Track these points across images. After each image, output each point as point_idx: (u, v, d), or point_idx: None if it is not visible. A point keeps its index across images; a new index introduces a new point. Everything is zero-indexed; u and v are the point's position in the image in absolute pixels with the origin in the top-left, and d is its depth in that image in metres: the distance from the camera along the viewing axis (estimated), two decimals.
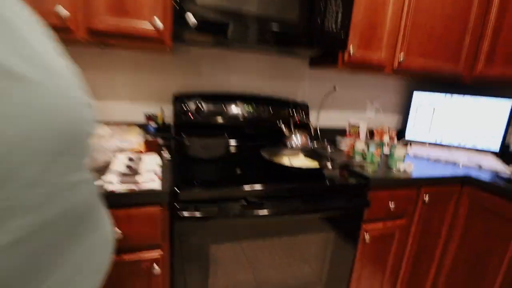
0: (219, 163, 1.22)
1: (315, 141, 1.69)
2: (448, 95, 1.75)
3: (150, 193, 0.88)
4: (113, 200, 0.85)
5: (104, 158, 0.97)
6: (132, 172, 0.98)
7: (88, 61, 1.31)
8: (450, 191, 1.36)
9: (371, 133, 1.77)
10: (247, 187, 0.97)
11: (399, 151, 1.28)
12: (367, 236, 1.21)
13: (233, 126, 1.50)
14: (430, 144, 1.77)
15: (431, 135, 1.81)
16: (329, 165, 1.16)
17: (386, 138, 1.74)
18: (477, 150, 1.71)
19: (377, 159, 1.26)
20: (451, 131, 1.76)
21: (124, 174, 0.95)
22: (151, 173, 0.97)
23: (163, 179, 0.97)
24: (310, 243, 1.12)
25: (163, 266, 0.97)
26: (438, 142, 1.79)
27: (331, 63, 1.42)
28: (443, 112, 1.77)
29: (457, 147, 1.75)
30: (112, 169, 0.96)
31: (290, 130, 1.48)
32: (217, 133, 1.34)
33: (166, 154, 1.23)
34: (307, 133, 1.50)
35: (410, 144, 1.78)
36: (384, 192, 1.21)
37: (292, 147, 1.40)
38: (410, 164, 1.28)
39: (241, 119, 1.49)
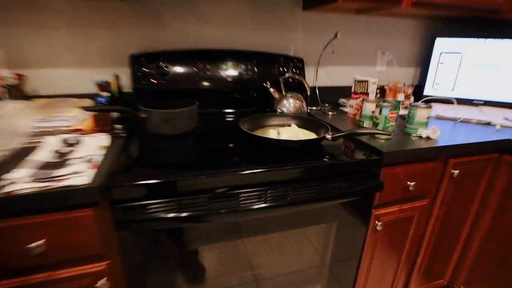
0: (186, 140, 0.94)
1: (312, 106, 1.39)
2: (481, 40, 1.39)
3: (69, 191, 0.62)
4: (21, 204, 0.60)
5: (12, 145, 0.71)
6: (58, 162, 0.71)
7: (14, 16, 1.00)
8: (485, 161, 1.07)
9: (382, 92, 1.45)
10: (210, 177, 0.70)
11: (420, 112, 0.98)
12: (378, 224, 0.96)
13: (208, 92, 1.20)
14: (455, 101, 1.45)
15: (456, 91, 1.48)
16: (328, 135, 0.88)
17: (400, 97, 1.42)
18: None
19: (392, 124, 0.97)
20: (482, 85, 1.42)
21: (44, 167, 0.69)
22: (82, 163, 0.71)
23: (99, 169, 0.70)
24: (304, 238, 0.88)
25: (113, 279, 0.75)
26: (465, 98, 1.46)
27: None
28: (472, 62, 1.42)
29: (491, 105, 1.43)
30: (29, 160, 0.70)
31: (280, 93, 1.17)
32: (187, 102, 1.05)
33: (120, 132, 0.96)
34: (302, 96, 1.20)
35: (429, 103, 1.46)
36: (401, 168, 0.93)
37: (282, 114, 1.10)
38: (436, 129, 0.99)
39: (218, 82, 1.19)
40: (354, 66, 1.52)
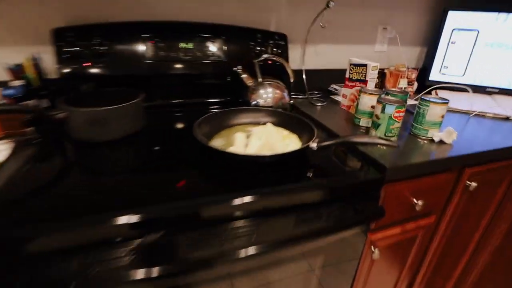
0: (121, 150, 0.70)
1: (298, 94, 1.14)
2: (502, 15, 1.14)
3: None
4: None
5: None
6: None
7: None
8: (504, 169, 0.87)
9: (381, 76, 1.21)
10: (132, 216, 0.47)
11: (434, 109, 0.75)
12: (375, 251, 0.76)
13: (162, 79, 0.93)
14: (471, 90, 1.22)
15: (467, 77, 1.25)
16: (312, 143, 0.64)
17: (403, 83, 1.19)
18: None
19: (397, 126, 0.74)
20: (498, 70, 1.19)
21: None
22: None
23: None
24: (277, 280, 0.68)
25: None
26: (477, 85, 1.24)
27: None
28: (489, 41, 1.18)
29: (505, 93, 1.21)
30: None
31: (255, 80, 0.92)
32: (128, 94, 0.79)
33: (31, 139, 0.70)
34: (284, 83, 0.95)
35: (435, 91, 1.23)
36: (406, 184, 0.72)
37: (256, 108, 0.86)
38: (452, 131, 0.76)
39: (174, 66, 0.92)
40: (350, 44, 1.26)
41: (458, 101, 1.11)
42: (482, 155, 0.75)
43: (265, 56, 0.90)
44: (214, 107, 0.99)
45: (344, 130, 0.82)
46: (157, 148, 0.71)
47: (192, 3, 0.97)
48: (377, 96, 0.80)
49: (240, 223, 0.54)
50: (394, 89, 0.85)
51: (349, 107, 0.99)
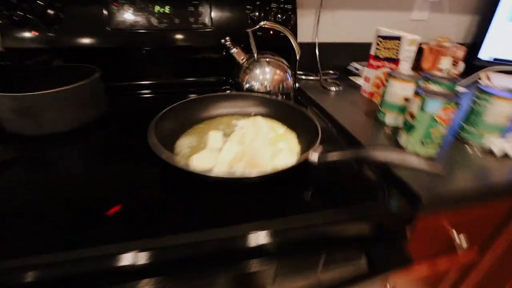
0: (56, 149, 0.52)
1: (309, 74, 0.91)
2: None
3: None
4: None
5: None
6: None
7: None
8: None
9: (418, 56, 0.94)
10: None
11: (497, 105, 0.52)
12: None
13: (130, 52, 0.74)
14: None
15: None
16: (313, 155, 0.44)
17: (445, 63, 0.92)
18: None
19: (441, 132, 0.51)
20: None
21: None
22: None
23: None
24: None
25: None
26: None
27: None
28: None
29: None
30: None
31: (249, 56, 0.70)
32: (83, 72, 0.61)
33: None
34: (287, 60, 0.73)
35: (487, 74, 0.96)
36: (446, 216, 0.51)
37: (244, 94, 0.65)
38: None
39: (145, 36, 0.71)
40: (378, 10, 0.99)
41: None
42: None
43: (261, 24, 0.67)
44: (195, 89, 0.79)
45: (362, 130, 0.61)
46: (107, 148, 0.53)
47: None
48: (413, 84, 0.57)
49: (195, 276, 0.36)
50: (438, 74, 0.61)
51: (372, 94, 0.76)
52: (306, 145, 0.51)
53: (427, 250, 0.57)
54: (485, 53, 1.03)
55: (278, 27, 0.69)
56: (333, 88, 0.82)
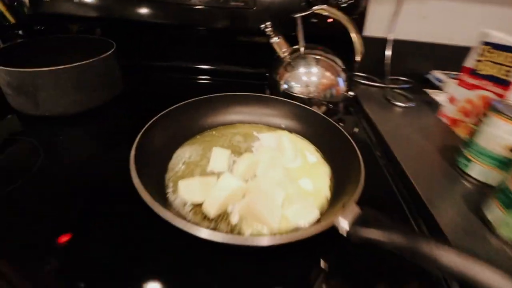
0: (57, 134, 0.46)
1: (373, 78, 0.72)
2: None
3: None
4: None
5: None
6: None
7: None
8: None
9: None
10: None
11: None
12: None
13: (154, 29, 0.64)
14: None
15: None
16: (341, 221, 0.28)
17: None
18: None
19: None
20: None
21: None
22: None
23: None
24: None
25: None
26: None
27: None
28: None
29: None
30: None
31: (295, 48, 0.55)
32: (100, 46, 0.53)
33: None
34: (343, 59, 0.55)
35: None
36: None
37: (282, 99, 0.50)
38: None
39: (178, 13, 0.60)
40: (485, 3, 0.72)
41: None
42: None
43: (315, 8, 0.50)
44: (225, 79, 0.67)
45: (431, 180, 0.42)
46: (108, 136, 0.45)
47: None
48: None
49: None
50: None
51: (455, 122, 0.54)
52: (339, 190, 0.36)
53: None
54: None
55: (337, 13, 0.51)
56: (400, 103, 0.63)
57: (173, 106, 0.43)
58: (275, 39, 0.54)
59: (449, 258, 0.24)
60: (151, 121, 0.39)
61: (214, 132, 0.47)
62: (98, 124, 0.50)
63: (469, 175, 0.43)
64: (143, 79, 0.65)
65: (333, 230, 0.28)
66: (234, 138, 0.46)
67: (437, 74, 0.72)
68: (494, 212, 0.34)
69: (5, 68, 0.44)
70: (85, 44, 0.58)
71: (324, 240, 0.27)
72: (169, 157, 0.40)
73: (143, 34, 0.65)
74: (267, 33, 0.54)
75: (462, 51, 0.52)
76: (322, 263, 0.30)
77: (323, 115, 0.45)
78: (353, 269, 0.31)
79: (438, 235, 0.34)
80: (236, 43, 0.67)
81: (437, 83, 0.71)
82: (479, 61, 0.48)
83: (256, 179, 0.36)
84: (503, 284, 0.22)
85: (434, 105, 0.63)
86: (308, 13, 0.51)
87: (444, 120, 0.57)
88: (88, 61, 0.48)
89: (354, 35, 0.52)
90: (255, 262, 0.30)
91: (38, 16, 0.61)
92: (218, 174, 0.38)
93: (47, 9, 0.60)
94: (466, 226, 0.35)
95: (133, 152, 0.33)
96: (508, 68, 0.44)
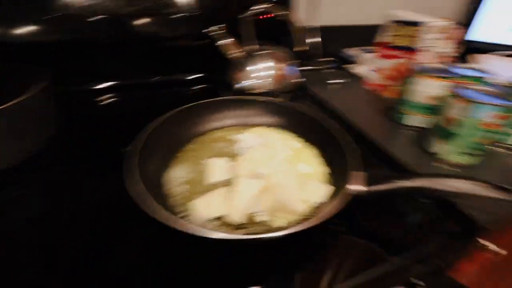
0: None
1: (303, 66, 0.79)
2: None
3: None
4: None
5: None
6: None
7: None
8: None
9: None
10: None
11: None
12: None
13: (84, 46, 0.57)
14: None
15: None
16: (356, 187, 0.34)
17: (448, 46, 0.86)
18: None
19: (488, 139, 0.43)
20: None
21: None
22: None
23: None
24: None
25: None
26: None
27: None
28: None
29: None
30: None
31: (242, 46, 0.57)
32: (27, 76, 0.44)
33: None
34: (287, 51, 0.60)
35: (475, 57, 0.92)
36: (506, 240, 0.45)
37: (240, 98, 0.52)
38: None
39: (111, 24, 0.55)
40: None
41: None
42: None
43: (257, 8, 0.53)
44: (170, 90, 0.64)
45: (383, 134, 0.52)
46: (65, 195, 0.39)
47: None
48: (444, 81, 0.48)
49: None
50: (470, 67, 0.54)
51: (382, 87, 0.67)
52: (333, 164, 0.41)
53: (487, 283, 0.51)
54: (472, 33, 0.98)
55: (275, 11, 0.56)
56: (336, 80, 0.72)
57: (144, 132, 0.40)
58: (223, 41, 0.55)
59: (442, 182, 0.32)
60: (129, 159, 0.35)
61: (192, 145, 0.46)
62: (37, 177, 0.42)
63: (405, 125, 0.54)
64: (77, 108, 0.57)
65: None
66: (216, 145, 0.46)
67: (349, 51, 0.86)
68: (437, 145, 0.46)
69: None
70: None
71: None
72: (159, 185, 0.38)
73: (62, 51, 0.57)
74: (214, 36, 0.55)
75: (368, 30, 0.64)
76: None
77: (290, 103, 0.50)
78: (363, 228, 0.37)
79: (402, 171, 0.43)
80: (171, 51, 0.65)
81: (349, 58, 0.84)
82: (391, 36, 0.60)
83: (264, 175, 0.38)
84: (485, 189, 0.31)
85: (355, 77, 0.75)
86: (248, 15, 0.54)
87: (368, 87, 0.69)
88: (22, 98, 0.40)
89: (295, 26, 0.58)
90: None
91: None
92: (224, 183, 0.38)
93: None
94: (418, 160, 0.46)
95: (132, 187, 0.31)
96: (413, 38, 0.56)
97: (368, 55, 0.68)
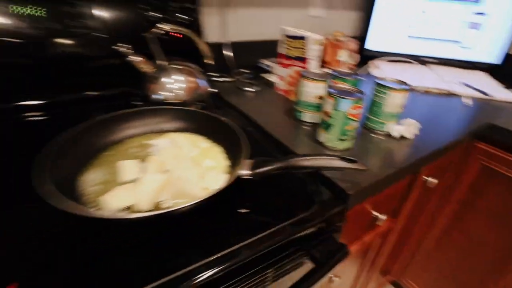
0: None
1: (220, 76, 0.87)
2: None
3: None
4: None
5: None
6: None
7: None
8: (453, 155, 0.79)
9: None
10: None
11: (394, 97, 0.59)
12: (334, 278, 0.60)
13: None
14: (405, 58, 1.12)
15: (408, 43, 1.15)
16: (242, 171, 0.41)
17: (343, 55, 1.02)
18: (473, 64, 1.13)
19: (354, 127, 0.54)
20: (434, 37, 1.11)
21: None
22: None
23: None
24: None
25: None
26: (412, 54, 1.14)
27: None
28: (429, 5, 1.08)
29: (440, 63, 1.14)
30: None
31: (153, 63, 0.62)
32: None
33: None
34: (196, 65, 0.67)
35: (374, 63, 1.11)
36: (367, 203, 0.56)
37: (155, 108, 0.57)
38: (413, 122, 0.62)
39: (13, 46, 0.56)
40: (279, 8, 1.01)
41: (402, 75, 1.00)
42: (441, 150, 0.63)
43: (161, 27, 0.59)
44: (95, 106, 0.67)
45: (284, 131, 0.61)
46: None
47: None
48: (324, 84, 0.59)
49: None
50: (343, 70, 0.66)
51: (287, 92, 0.77)
52: (234, 158, 0.48)
53: (356, 233, 0.62)
54: (371, 45, 1.18)
55: (179, 28, 0.62)
56: (249, 89, 0.81)
57: (58, 137, 0.43)
58: (134, 58, 0.60)
59: (309, 161, 0.40)
60: (39, 162, 0.38)
61: (109, 152, 0.49)
62: None
63: (304, 121, 0.64)
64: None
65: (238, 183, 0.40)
66: (130, 151, 0.50)
67: (265, 61, 0.96)
68: (321, 134, 0.56)
69: None
70: None
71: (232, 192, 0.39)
72: (73, 187, 0.41)
73: None
74: (123, 52, 0.59)
75: (274, 43, 0.74)
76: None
77: (202, 111, 0.56)
78: (253, 203, 0.44)
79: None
80: (91, 69, 0.67)
81: (266, 68, 0.95)
82: (286, 48, 0.71)
83: (170, 170, 0.44)
84: (338, 163, 0.41)
85: (270, 84, 0.85)
86: (155, 31, 0.60)
87: (280, 92, 0.79)
88: None
89: (199, 43, 0.65)
90: (189, 224, 0.38)
91: None
92: (134, 180, 0.42)
93: None
94: (310, 150, 0.55)
95: (40, 187, 0.34)
96: (302, 50, 0.68)
97: (276, 65, 0.78)
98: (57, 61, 0.61)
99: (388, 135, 0.62)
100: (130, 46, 0.60)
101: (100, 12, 0.62)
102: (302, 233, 0.41)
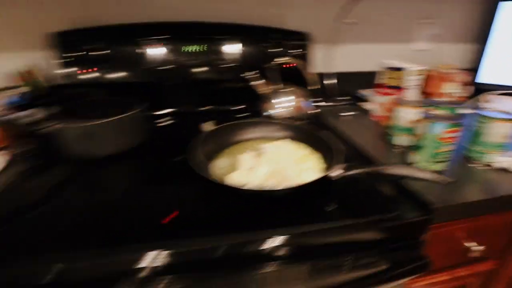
0: (110, 170, 0.61)
1: (322, 101, 1.00)
2: None
3: None
4: None
5: None
6: None
7: None
8: None
9: (425, 83, 1.03)
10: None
11: (497, 127, 0.59)
12: None
13: (169, 86, 0.84)
14: None
15: None
16: (334, 171, 0.51)
17: (450, 88, 1.00)
18: None
19: (446, 150, 0.57)
20: None
21: None
22: None
23: None
24: None
25: None
26: None
27: None
28: None
29: None
30: None
31: (268, 87, 0.80)
32: (126, 104, 0.70)
33: (24, 153, 0.64)
34: (304, 90, 0.82)
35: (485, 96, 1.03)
36: (459, 225, 0.56)
37: (267, 121, 0.73)
38: None
39: (184, 71, 0.82)
40: (382, 43, 1.09)
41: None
42: None
43: (280, 60, 0.77)
44: (219, 117, 0.88)
45: (375, 150, 0.67)
46: (153, 167, 0.62)
47: (197, 2, 0.87)
48: (417, 109, 0.64)
49: (233, 271, 0.43)
50: (440, 99, 0.69)
51: (382, 118, 0.83)
52: (329, 162, 0.58)
53: (443, 261, 0.61)
54: (485, 78, 1.10)
55: (292, 60, 0.78)
56: (345, 114, 0.90)
57: (206, 132, 0.63)
58: (255, 82, 0.79)
59: (393, 169, 0.47)
60: (193, 146, 0.58)
61: (229, 149, 0.67)
62: (141, 158, 0.66)
63: (395, 144, 0.69)
64: (156, 125, 0.83)
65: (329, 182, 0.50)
66: (248, 149, 0.67)
67: (362, 91, 1.04)
68: (411, 156, 0.60)
69: (78, 124, 0.60)
70: (106, 103, 0.74)
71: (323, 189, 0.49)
72: (207, 168, 0.59)
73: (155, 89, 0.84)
74: (249, 78, 0.79)
75: (373, 74, 0.83)
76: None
77: (306, 125, 0.69)
78: (340, 200, 0.52)
79: None
80: (219, 90, 0.90)
81: (363, 97, 1.02)
82: (385, 78, 0.79)
83: (277, 164, 0.57)
84: (420, 173, 0.46)
85: (365, 111, 0.92)
86: (272, 64, 0.77)
87: (374, 118, 0.86)
88: (129, 113, 0.66)
89: (304, 72, 0.80)
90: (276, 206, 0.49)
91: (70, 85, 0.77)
92: (249, 169, 0.57)
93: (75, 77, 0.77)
94: None
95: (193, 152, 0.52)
96: (400, 80, 0.74)
97: (375, 94, 0.85)
98: (201, 83, 0.86)
99: (488, 166, 0.61)
100: (254, 73, 0.80)
101: (241, 48, 0.84)
102: (383, 234, 0.48)
